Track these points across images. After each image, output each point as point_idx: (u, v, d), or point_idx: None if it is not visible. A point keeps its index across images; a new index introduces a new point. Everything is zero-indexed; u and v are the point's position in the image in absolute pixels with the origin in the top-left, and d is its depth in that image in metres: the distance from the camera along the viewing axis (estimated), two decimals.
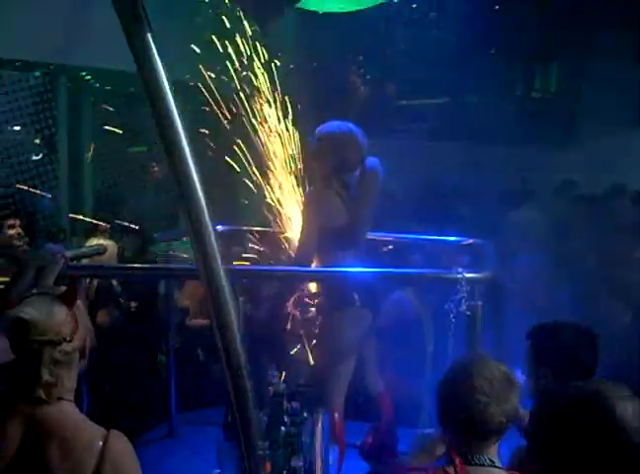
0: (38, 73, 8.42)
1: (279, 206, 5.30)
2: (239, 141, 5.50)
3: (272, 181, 5.37)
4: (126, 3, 2.56)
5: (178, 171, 2.61)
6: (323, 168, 4.54)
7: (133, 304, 6.27)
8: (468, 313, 3.75)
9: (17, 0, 7.66)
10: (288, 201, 5.31)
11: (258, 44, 5.56)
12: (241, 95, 5.50)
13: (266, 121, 5.43)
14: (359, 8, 6.60)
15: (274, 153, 5.40)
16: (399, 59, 9.48)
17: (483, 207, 7.97)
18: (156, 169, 10.23)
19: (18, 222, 5.68)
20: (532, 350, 3.34)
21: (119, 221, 7.22)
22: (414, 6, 10.10)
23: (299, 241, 4.42)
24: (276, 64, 5.53)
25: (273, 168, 5.38)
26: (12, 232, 5.58)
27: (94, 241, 6.02)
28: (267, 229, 5.49)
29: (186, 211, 2.63)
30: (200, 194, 2.60)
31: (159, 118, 2.60)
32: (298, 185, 5.33)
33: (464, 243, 4.92)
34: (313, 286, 4.93)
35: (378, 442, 4.73)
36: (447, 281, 3.81)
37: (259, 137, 5.42)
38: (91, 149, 9.06)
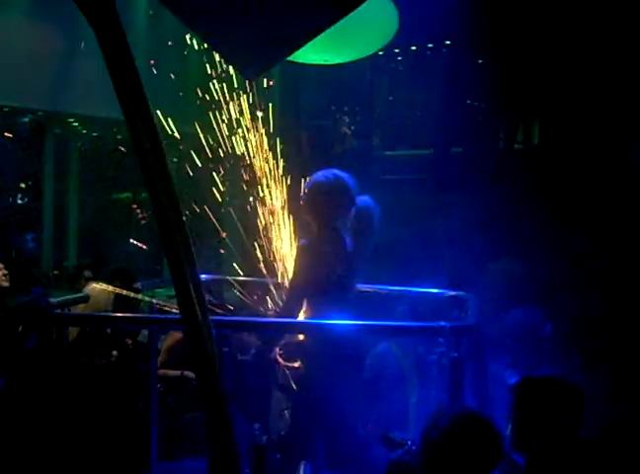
0: (26, 119, 8.48)
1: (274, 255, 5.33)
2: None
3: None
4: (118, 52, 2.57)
5: (163, 215, 2.60)
6: (318, 219, 4.57)
7: (114, 353, 6.23)
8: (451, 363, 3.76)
9: (6, 47, 7.70)
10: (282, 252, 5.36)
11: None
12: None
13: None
14: (342, 61, 6.71)
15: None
16: (384, 110, 9.59)
17: (466, 258, 8.01)
18: (140, 216, 10.25)
19: (3, 267, 5.71)
20: (517, 403, 3.35)
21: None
22: (399, 59, 10.25)
23: (289, 291, 4.43)
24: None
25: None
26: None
27: (91, 285, 5.99)
28: (252, 279, 5.50)
29: (170, 257, 2.62)
30: (187, 240, 2.60)
31: (147, 165, 2.59)
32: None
33: (448, 295, 4.95)
34: (300, 336, 4.93)
35: None
36: (432, 333, 3.83)
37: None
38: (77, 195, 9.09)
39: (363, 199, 4.63)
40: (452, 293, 4.90)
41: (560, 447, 2.77)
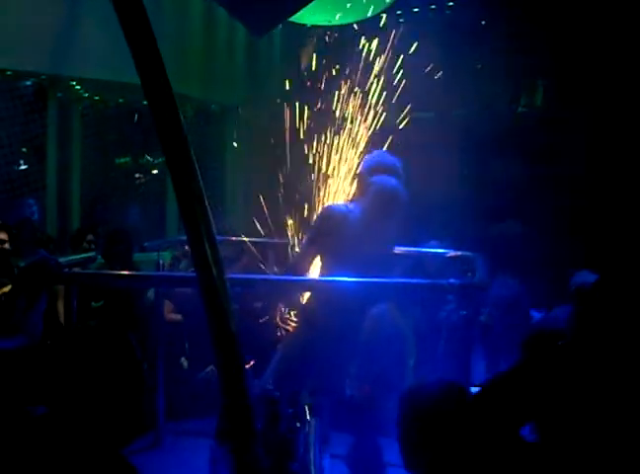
0: (28, 83, 8.45)
1: None
2: None
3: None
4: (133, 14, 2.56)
5: (180, 176, 2.61)
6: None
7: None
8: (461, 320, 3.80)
9: (9, 11, 7.66)
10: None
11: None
12: None
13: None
14: (345, 21, 6.70)
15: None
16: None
17: (468, 221, 8.05)
18: (142, 180, 10.26)
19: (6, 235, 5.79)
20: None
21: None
22: (401, 21, 10.17)
23: (300, 249, 4.51)
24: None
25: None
26: (6, 246, 5.72)
27: None
28: (263, 240, 5.53)
29: (187, 216, 2.63)
30: (205, 200, 2.61)
31: (162, 125, 2.59)
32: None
33: (456, 255, 4.97)
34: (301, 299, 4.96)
35: (363, 455, 4.79)
36: (441, 291, 3.86)
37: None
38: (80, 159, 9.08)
39: (384, 179, 4.65)
40: (460, 253, 4.93)
41: None
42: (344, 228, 4.53)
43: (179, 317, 6.70)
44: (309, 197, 5.46)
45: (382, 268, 4.52)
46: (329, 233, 4.54)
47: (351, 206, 4.71)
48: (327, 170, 5.51)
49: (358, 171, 4.82)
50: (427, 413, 2.40)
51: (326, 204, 5.03)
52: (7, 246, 5.79)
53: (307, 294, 4.77)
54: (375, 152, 4.84)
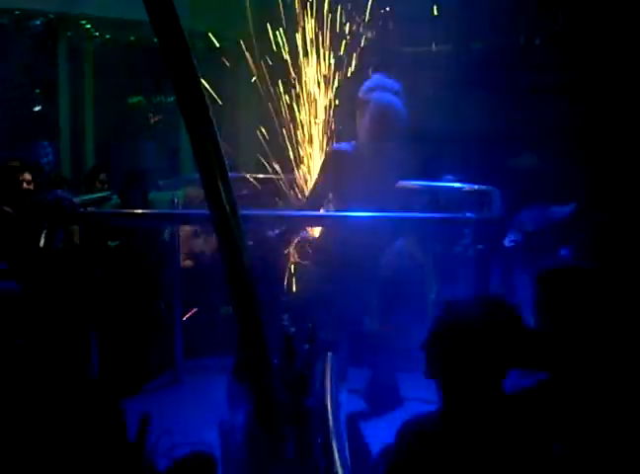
0: (37, 22, 8.37)
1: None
2: None
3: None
4: None
5: (192, 115, 2.58)
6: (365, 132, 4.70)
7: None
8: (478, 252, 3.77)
9: None
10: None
11: None
12: None
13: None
14: None
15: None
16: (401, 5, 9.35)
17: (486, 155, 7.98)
18: (156, 118, 10.22)
19: (29, 175, 5.83)
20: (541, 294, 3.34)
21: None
22: None
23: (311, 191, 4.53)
24: None
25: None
26: (26, 185, 5.76)
27: None
28: (270, 176, 5.49)
29: (200, 156, 2.60)
30: (217, 138, 2.58)
31: (172, 64, 2.54)
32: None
33: (472, 189, 4.93)
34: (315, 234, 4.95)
35: (380, 389, 4.82)
36: (458, 224, 3.83)
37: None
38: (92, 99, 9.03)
39: (381, 95, 4.61)
40: (476, 187, 4.88)
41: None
42: (349, 164, 4.54)
43: (191, 263, 6.68)
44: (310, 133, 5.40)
45: (396, 200, 4.52)
46: (336, 171, 4.58)
47: (353, 143, 4.70)
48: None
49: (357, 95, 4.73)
50: (468, 323, 2.40)
51: (330, 146, 4.97)
52: (31, 186, 5.83)
53: (320, 229, 4.78)
54: (375, 75, 4.76)
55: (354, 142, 4.75)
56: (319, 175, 4.80)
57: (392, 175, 4.68)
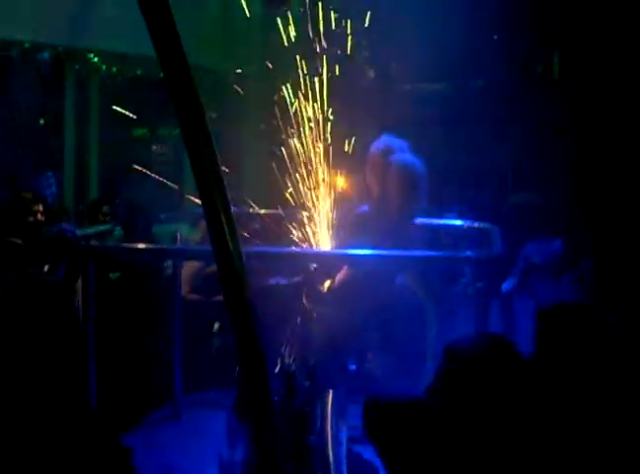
0: (46, 55, 8.44)
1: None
2: None
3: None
4: None
5: (196, 149, 2.60)
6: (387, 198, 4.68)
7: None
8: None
9: None
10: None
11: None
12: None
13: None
14: None
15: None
16: (404, 42, 9.45)
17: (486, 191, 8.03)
18: (159, 151, 10.28)
19: (41, 207, 5.89)
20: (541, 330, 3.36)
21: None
22: None
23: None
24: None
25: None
26: (38, 217, 5.82)
27: None
28: (276, 212, 5.50)
29: (203, 188, 2.62)
30: (220, 172, 2.60)
31: (178, 97, 2.58)
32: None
33: (472, 226, 4.95)
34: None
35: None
36: (458, 263, 3.86)
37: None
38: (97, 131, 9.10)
39: (398, 157, 4.64)
40: (476, 225, 4.91)
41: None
42: (374, 228, 4.52)
43: (197, 297, 6.68)
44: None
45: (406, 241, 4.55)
46: (360, 235, 4.54)
47: (370, 204, 4.71)
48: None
49: (369, 158, 4.74)
50: (471, 361, 2.44)
51: (351, 211, 4.95)
52: (43, 218, 5.88)
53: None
54: (381, 137, 4.78)
55: (370, 203, 4.76)
56: (341, 239, 4.73)
57: (415, 234, 4.72)
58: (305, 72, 5.26)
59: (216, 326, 6.58)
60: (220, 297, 2.72)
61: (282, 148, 5.31)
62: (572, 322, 3.24)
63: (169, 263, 6.22)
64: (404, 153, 4.61)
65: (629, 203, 6.81)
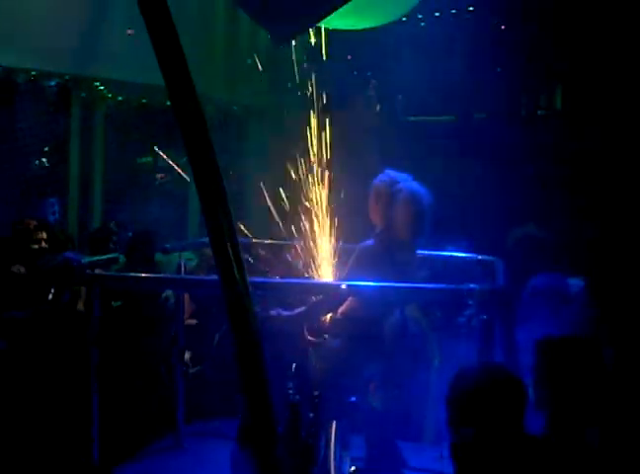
0: (52, 83, 8.50)
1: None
2: None
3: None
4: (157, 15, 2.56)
5: (203, 179, 2.62)
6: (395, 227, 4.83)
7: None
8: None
9: (34, 10, 7.72)
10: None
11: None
12: None
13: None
14: (367, 26, 6.68)
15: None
16: (407, 77, 9.54)
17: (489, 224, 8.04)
18: (164, 180, 10.31)
19: (45, 234, 5.92)
20: (540, 363, 3.38)
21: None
22: (422, 24, 10.20)
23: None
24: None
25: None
26: (42, 245, 5.84)
27: None
28: (281, 242, 5.53)
29: (209, 218, 2.64)
30: (227, 202, 2.61)
31: (185, 127, 2.59)
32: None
33: (476, 259, 4.98)
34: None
35: (382, 456, 4.81)
36: (461, 296, 3.88)
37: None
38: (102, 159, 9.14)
39: (404, 187, 4.71)
40: (479, 257, 4.94)
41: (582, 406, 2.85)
42: (381, 260, 4.58)
43: (194, 322, 6.71)
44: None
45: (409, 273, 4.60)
46: (367, 267, 4.60)
47: (375, 238, 4.77)
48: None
49: (374, 191, 4.80)
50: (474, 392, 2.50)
51: (358, 246, 4.99)
52: (47, 245, 5.91)
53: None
54: (385, 172, 4.86)
55: (375, 237, 4.82)
56: (348, 273, 4.78)
57: (419, 265, 4.77)
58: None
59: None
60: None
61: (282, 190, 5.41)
62: (569, 355, 3.27)
63: (169, 292, 6.23)
64: (410, 182, 4.69)
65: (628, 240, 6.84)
